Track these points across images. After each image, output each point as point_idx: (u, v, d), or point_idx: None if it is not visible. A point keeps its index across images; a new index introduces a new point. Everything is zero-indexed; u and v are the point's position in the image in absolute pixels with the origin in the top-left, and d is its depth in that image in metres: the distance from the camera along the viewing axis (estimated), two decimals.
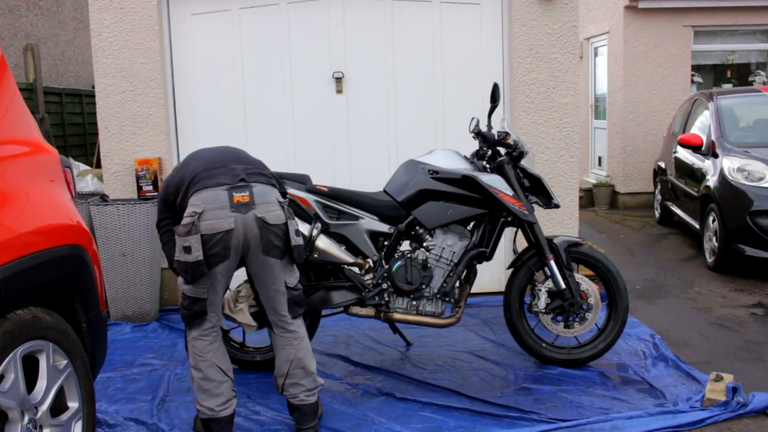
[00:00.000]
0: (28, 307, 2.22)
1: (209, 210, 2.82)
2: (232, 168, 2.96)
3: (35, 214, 2.35)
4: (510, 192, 3.73)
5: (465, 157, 3.89)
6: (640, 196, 9.71)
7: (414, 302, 3.77)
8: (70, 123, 9.25)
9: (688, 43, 9.64)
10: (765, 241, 5.64)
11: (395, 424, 3.23)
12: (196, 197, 2.86)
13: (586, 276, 3.96)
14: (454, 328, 4.12)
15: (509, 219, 3.83)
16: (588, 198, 10.04)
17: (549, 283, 3.84)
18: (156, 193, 4.93)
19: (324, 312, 3.94)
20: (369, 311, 3.79)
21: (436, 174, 3.75)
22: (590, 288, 3.85)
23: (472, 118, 3.95)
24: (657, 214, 8.61)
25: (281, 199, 3.02)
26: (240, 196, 2.85)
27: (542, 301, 3.83)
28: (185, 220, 2.84)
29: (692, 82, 9.87)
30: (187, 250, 2.82)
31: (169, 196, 3.06)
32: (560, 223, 5.25)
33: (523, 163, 3.84)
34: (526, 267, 3.90)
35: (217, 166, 2.96)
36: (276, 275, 3.01)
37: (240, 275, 3.96)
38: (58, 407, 2.37)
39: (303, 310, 3.19)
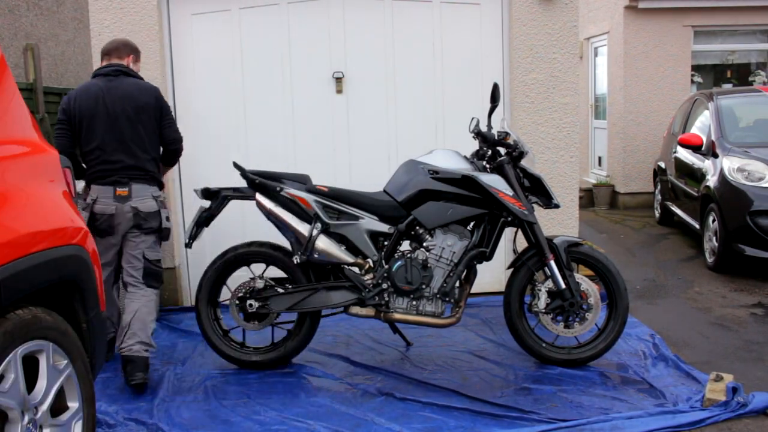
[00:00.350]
0: (28, 307, 2.22)
1: (100, 198, 3.75)
2: (122, 167, 3.78)
3: (35, 214, 2.35)
4: (510, 192, 3.73)
5: (465, 157, 3.89)
6: (640, 196, 9.71)
7: (414, 302, 3.77)
8: None
9: (688, 43, 9.64)
10: (765, 241, 5.64)
11: (395, 424, 3.23)
12: (94, 187, 3.78)
13: (586, 276, 3.96)
14: (454, 328, 4.12)
15: (509, 219, 3.83)
16: (588, 198, 10.04)
17: (549, 283, 3.84)
18: None
19: (324, 312, 3.94)
20: (369, 311, 3.79)
21: (436, 174, 3.75)
22: (590, 288, 3.85)
23: (472, 118, 3.95)
24: (657, 214, 8.61)
25: (156, 194, 3.86)
26: (121, 191, 3.76)
27: (542, 301, 3.83)
28: (81, 204, 3.68)
29: (692, 82, 9.87)
30: None
31: (72, 119, 3.83)
32: (560, 223, 5.25)
33: (523, 163, 3.84)
34: (526, 267, 3.90)
35: (112, 164, 3.77)
36: (137, 245, 3.82)
37: (242, 276, 3.98)
38: (58, 407, 2.37)
39: (158, 285, 3.91)
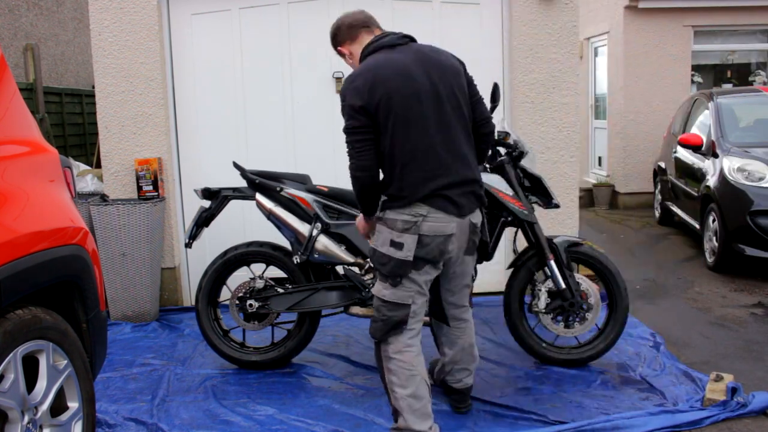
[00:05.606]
0: (28, 307, 2.22)
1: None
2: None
3: (35, 214, 2.35)
4: (510, 192, 3.73)
5: None
6: (640, 196, 9.71)
7: None
8: (70, 123, 9.26)
9: (688, 43, 9.64)
10: (765, 241, 5.64)
11: None
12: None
13: (586, 276, 3.95)
14: None
15: (509, 219, 3.83)
16: (588, 198, 10.04)
17: (549, 283, 3.83)
18: (156, 194, 4.93)
19: (324, 312, 3.94)
20: (369, 311, 3.78)
21: None
22: (590, 288, 3.85)
23: None
24: (657, 214, 8.61)
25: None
26: None
27: (542, 301, 3.83)
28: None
29: (692, 82, 9.87)
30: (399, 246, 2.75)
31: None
32: (560, 223, 5.25)
33: (524, 162, 3.84)
34: (526, 267, 3.89)
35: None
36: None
37: (242, 276, 3.98)
38: (58, 407, 2.37)
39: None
